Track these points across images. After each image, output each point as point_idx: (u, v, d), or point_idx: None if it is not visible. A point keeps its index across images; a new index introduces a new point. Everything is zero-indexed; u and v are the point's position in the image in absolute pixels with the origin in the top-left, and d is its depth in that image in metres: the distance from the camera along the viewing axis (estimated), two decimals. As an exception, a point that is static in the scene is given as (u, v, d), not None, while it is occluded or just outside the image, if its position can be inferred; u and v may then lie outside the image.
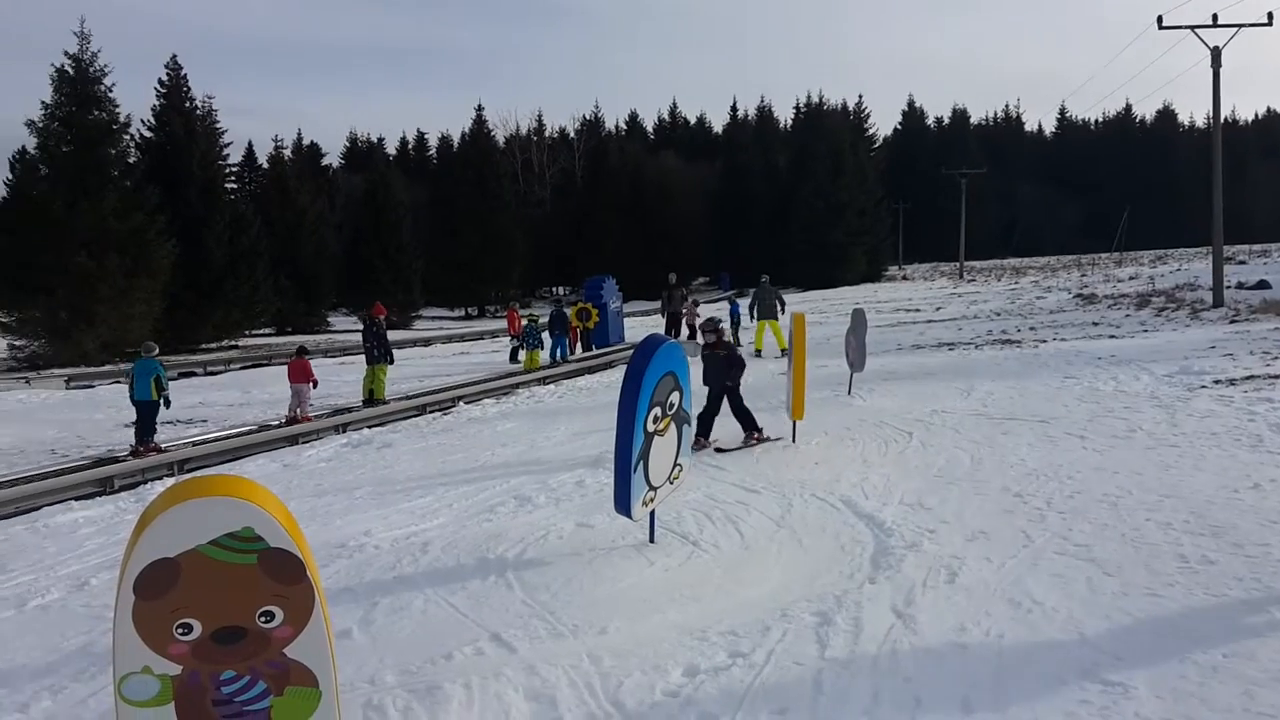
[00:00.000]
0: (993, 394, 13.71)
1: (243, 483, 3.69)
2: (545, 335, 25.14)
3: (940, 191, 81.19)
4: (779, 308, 22.23)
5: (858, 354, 14.42)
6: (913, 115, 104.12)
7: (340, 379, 23.64)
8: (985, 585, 5.98)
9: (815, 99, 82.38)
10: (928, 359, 19.26)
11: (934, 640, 5.18)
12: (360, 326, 49.88)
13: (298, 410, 16.17)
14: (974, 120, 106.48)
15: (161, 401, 14.00)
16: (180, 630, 3.50)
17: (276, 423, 15.73)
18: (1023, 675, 4.71)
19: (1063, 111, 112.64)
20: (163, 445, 13.93)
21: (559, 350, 25.61)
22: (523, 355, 24.53)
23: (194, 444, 14.08)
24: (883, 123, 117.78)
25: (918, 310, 35.39)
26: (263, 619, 3.57)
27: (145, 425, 13.86)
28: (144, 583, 3.42)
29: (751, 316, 23.06)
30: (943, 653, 5.03)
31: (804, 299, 47.45)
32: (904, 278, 69.95)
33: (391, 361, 18.88)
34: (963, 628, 5.32)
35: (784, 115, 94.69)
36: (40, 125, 31.81)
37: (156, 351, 14.94)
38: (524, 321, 24.71)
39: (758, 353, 22.32)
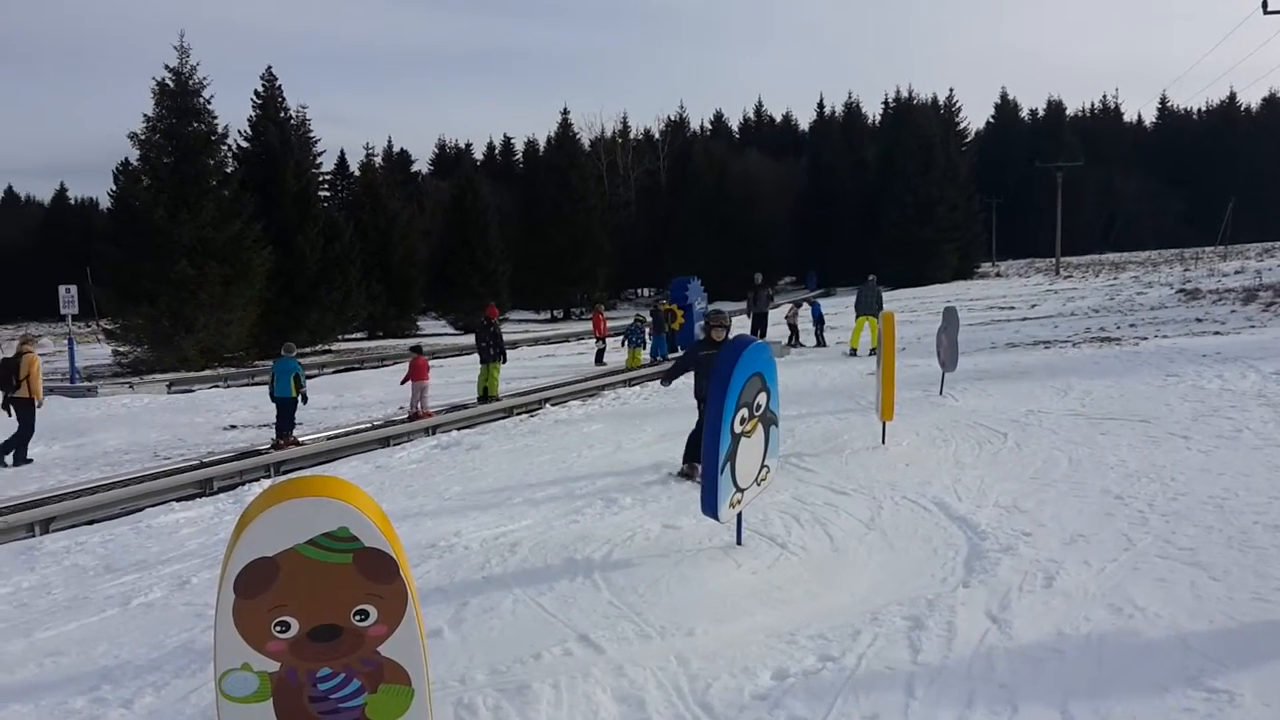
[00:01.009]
0: (1091, 393, 13.33)
1: (338, 483, 3.77)
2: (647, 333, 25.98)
3: (1035, 186, 79.37)
4: (878, 305, 21.98)
5: (949, 353, 14.14)
6: (1005, 108, 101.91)
7: (443, 379, 24.01)
8: (1084, 590, 5.81)
9: (904, 93, 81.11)
10: (1023, 357, 18.80)
11: (1030, 645, 5.05)
12: (451, 329, 50.87)
13: (419, 405, 17.06)
14: (1070, 112, 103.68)
15: (300, 398, 15.09)
16: (278, 628, 3.59)
17: (369, 424, 16.05)
18: (1123, 682, 4.57)
19: (1163, 101, 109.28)
20: (300, 439, 14.95)
21: (660, 349, 26.05)
22: (624, 353, 25.36)
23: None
24: (974, 116, 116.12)
25: (1012, 308, 34.61)
26: (357, 618, 3.63)
27: (285, 420, 14.95)
28: (244, 581, 3.51)
29: (857, 313, 22.96)
30: (1039, 658, 4.89)
31: (893, 297, 46.74)
32: (997, 274, 68.44)
33: (505, 360, 19.85)
34: (1060, 633, 5.18)
35: (872, 111, 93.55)
36: (142, 137, 32.92)
37: (295, 352, 16.07)
38: (633, 319, 25.98)
39: (853, 351, 22.14)
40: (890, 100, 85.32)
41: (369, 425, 16.46)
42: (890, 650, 5.11)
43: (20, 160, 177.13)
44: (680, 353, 26.80)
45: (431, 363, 18.70)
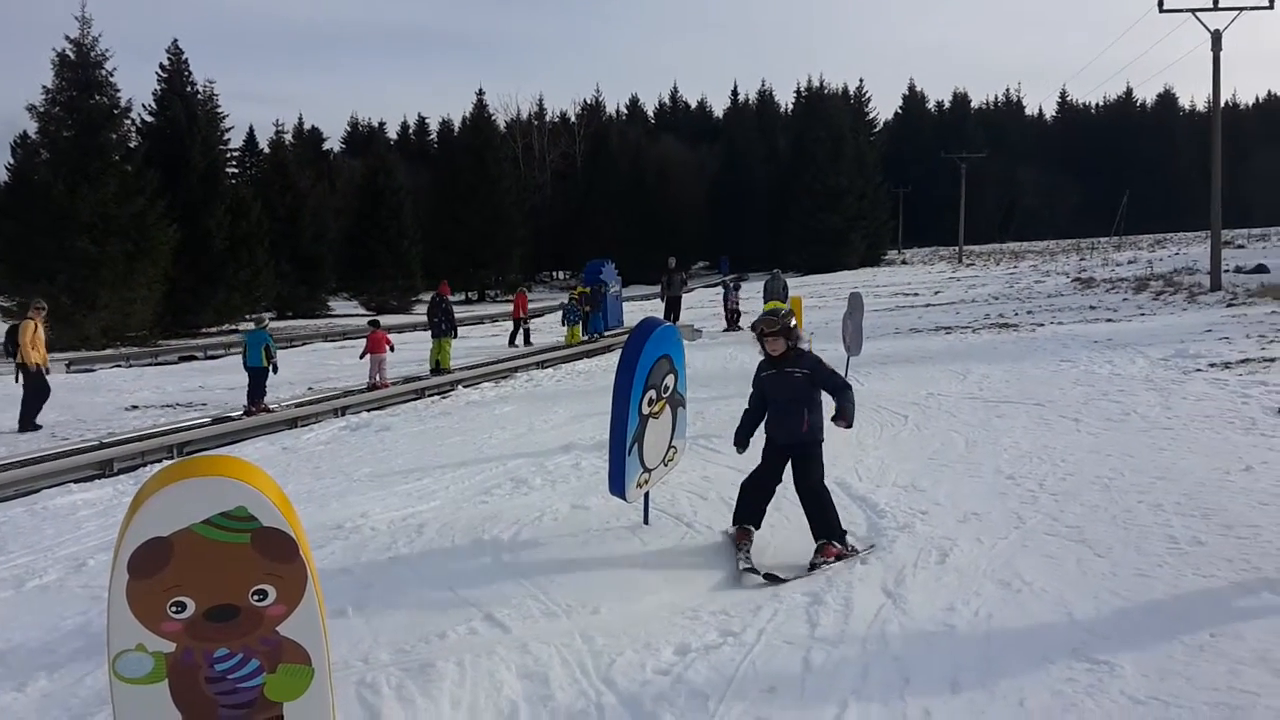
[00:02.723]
0: (988, 377, 13.74)
1: (236, 463, 3.73)
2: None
3: (940, 176, 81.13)
4: (784, 294, 22.57)
5: (854, 338, 14.43)
6: (913, 99, 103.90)
7: (339, 363, 23.69)
8: (976, 566, 6.03)
9: (816, 83, 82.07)
10: (925, 343, 19.28)
11: (924, 620, 5.23)
12: (363, 310, 50.09)
13: (377, 377, 17.83)
14: (975, 104, 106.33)
15: (270, 368, 15.68)
16: (174, 608, 3.54)
17: (334, 392, 15.77)
18: (1011, 654, 4.76)
19: (1063, 95, 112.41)
20: (270, 406, 15.58)
21: (597, 326, 27.50)
22: (553, 334, 27.09)
23: (190, 428, 14.13)
24: (883, 107, 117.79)
25: (916, 295, 35.40)
26: (255, 597, 3.61)
27: (256, 388, 15.57)
28: (137, 561, 3.46)
29: (766, 298, 23.48)
30: (932, 632, 5.07)
31: (803, 283, 47.39)
32: (903, 262, 69.89)
33: (456, 335, 20.95)
34: (952, 608, 5.37)
35: (785, 99, 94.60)
36: (41, 110, 31.78)
37: (267, 323, 16.73)
38: (566, 298, 27.74)
39: None
40: (802, 89, 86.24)
41: (334, 394, 17.05)
42: (789, 625, 5.25)
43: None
44: (600, 334, 27.00)
45: (348, 343, 18.76)
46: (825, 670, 4.69)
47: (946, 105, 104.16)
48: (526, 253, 66.98)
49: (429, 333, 21.24)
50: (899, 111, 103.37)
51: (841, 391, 6.60)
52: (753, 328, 6.82)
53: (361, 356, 18.58)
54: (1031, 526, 6.77)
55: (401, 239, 53.14)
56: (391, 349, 18.63)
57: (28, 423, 14.70)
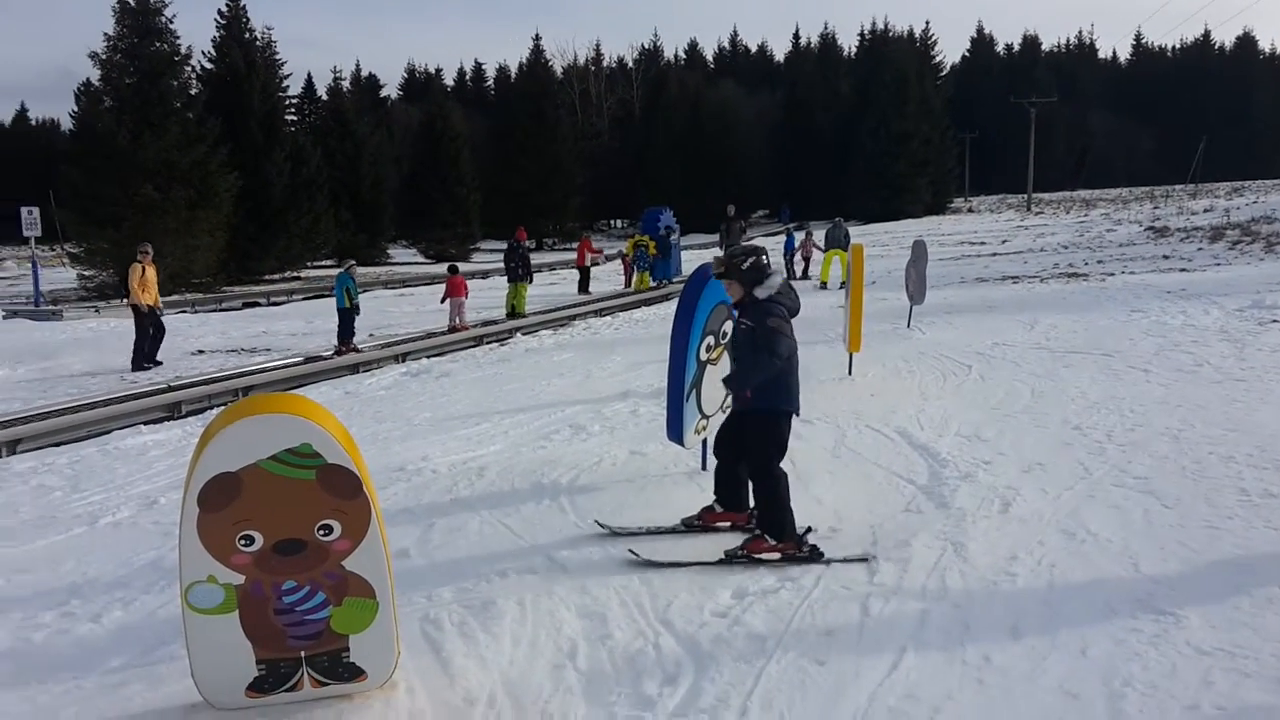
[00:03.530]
0: (1056, 327, 13.49)
1: (301, 401, 3.79)
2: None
3: (1009, 121, 79.00)
4: (846, 242, 22.21)
5: (918, 286, 14.23)
6: (981, 42, 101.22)
7: (399, 309, 23.95)
8: (1039, 516, 5.96)
9: (880, 26, 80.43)
10: (991, 292, 18.96)
11: (985, 569, 5.18)
12: (422, 258, 50.48)
13: (457, 320, 18.62)
14: (1045, 47, 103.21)
15: (353, 308, 16.31)
16: (243, 541, 3.63)
17: (328, 352, 16.01)
18: (1073, 604, 4.71)
19: (1138, 38, 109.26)
20: (359, 346, 16.26)
21: (663, 272, 27.49)
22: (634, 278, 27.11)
23: (255, 371, 14.39)
24: (950, 50, 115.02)
25: (983, 243, 34.79)
26: (321, 532, 3.68)
27: (344, 328, 16.21)
28: (207, 495, 3.54)
29: (826, 247, 23.22)
30: (993, 581, 5.03)
31: (865, 231, 46.80)
32: (969, 210, 68.62)
33: (531, 280, 21.70)
34: (1014, 557, 5.31)
35: (848, 43, 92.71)
36: (104, 57, 32.13)
37: (351, 265, 17.49)
38: (631, 245, 27.41)
39: (823, 284, 22.31)
40: (866, 32, 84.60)
41: (418, 335, 17.82)
42: (848, 572, 5.23)
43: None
44: (669, 280, 26.93)
45: (407, 291, 19.07)
46: (883, 617, 4.67)
47: (1016, 48, 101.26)
48: (584, 200, 66.87)
49: (504, 278, 22.08)
50: (966, 55, 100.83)
51: (758, 353, 5.42)
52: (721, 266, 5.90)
53: (443, 301, 19.21)
54: (1098, 477, 6.65)
55: (459, 187, 53.31)
56: (467, 294, 19.25)
57: (139, 361, 15.23)
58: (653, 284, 26.64)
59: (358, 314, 16.62)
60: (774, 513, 5.56)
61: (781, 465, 5.57)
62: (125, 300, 15.66)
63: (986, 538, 5.64)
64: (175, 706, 4.02)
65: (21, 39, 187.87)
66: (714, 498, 6.11)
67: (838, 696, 3.95)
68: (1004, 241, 34.88)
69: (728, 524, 5.99)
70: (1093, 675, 4.03)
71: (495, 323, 19.67)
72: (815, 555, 5.45)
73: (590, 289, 26.47)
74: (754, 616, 4.71)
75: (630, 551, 5.59)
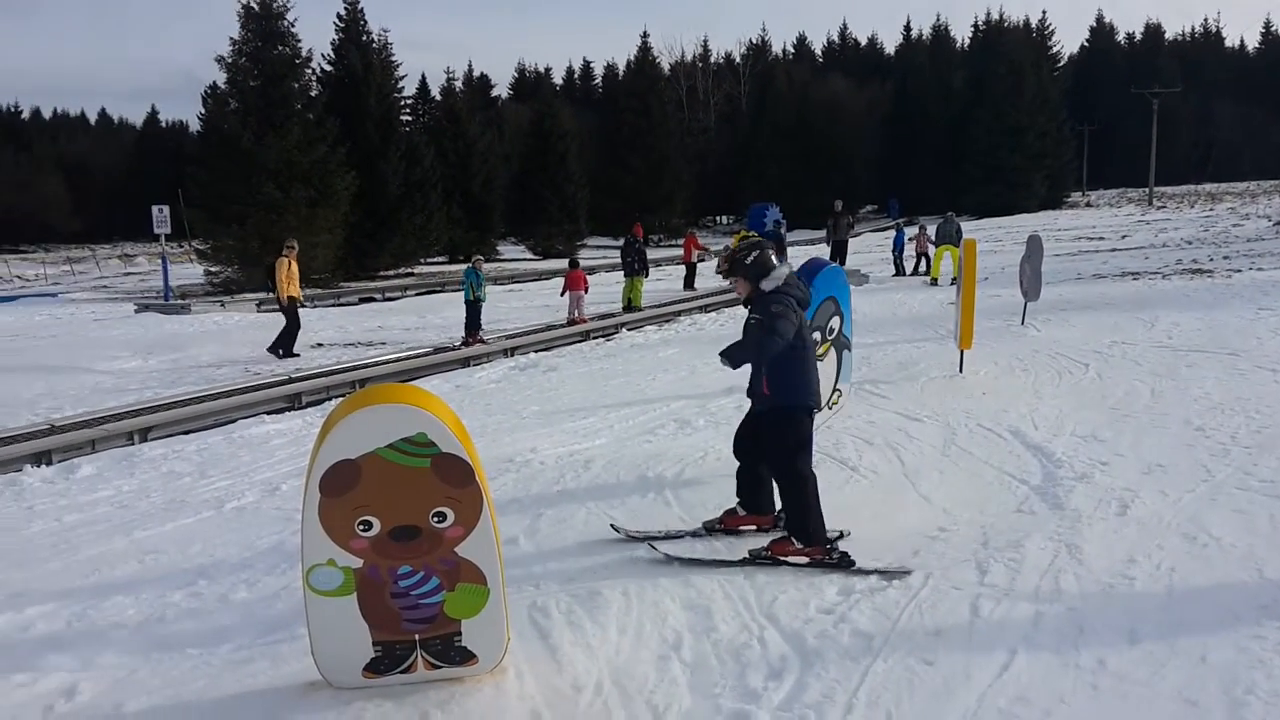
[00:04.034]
0: (1179, 325, 13.00)
1: (417, 392, 3.92)
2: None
3: (1130, 113, 76.13)
4: (958, 237, 21.72)
5: (1032, 282, 13.86)
6: (1101, 32, 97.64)
7: (507, 305, 24.33)
8: (1159, 519, 5.77)
9: (995, 16, 78.36)
10: (1110, 289, 18.35)
11: (1101, 571, 5.05)
12: (530, 255, 51.18)
13: (576, 312, 19.10)
14: (1169, 36, 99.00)
15: (478, 301, 16.88)
16: (361, 526, 3.76)
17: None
18: (1194, 609, 4.56)
19: (1267, 25, 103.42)
20: (485, 338, 16.80)
21: None
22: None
23: (372, 364, 14.80)
24: (1068, 40, 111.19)
25: (1101, 238, 33.66)
26: (435, 519, 3.79)
27: (470, 320, 16.83)
28: (328, 481, 3.68)
29: (938, 243, 22.77)
30: (1109, 584, 4.90)
31: (978, 226, 45.71)
32: (1087, 204, 66.37)
33: (648, 274, 22.16)
34: (1132, 560, 5.17)
35: (961, 34, 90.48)
36: (229, 61, 33.27)
37: (478, 260, 18.22)
38: (737, 240, 25.96)
39: (933, 281, 21.94)
40: (980, 23, 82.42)
41: (535, 328, 18.28)
42: (958, 572, 5.15)
43: (113, 83, 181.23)
44: None
45: (516, 287, 19.41)
46: (994, 617, 4.59)
47: (1137, 37, 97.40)
48: (690, 197, 66.82)
49: (621, 272, 22.51)
50: (1085, 45, 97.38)
51: (753, 329, 5.42)
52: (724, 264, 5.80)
53: (562, 294, 19.70)
54: (1221, 480, 6.41)
55: (567, 184, 53.78)
56: (587, 288, 19.69)
57: (278, 349, 16.12)
58: None
59: (483, 302, 17.18)
60: (800, 515, 5.40)
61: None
62: (271, 293, 16.46)
63: (1103, 540, 5.49)
64: (296, 684, 4.19)
65: (151, 44, 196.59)
66: (736, 500, 5.96)
67: (946, 697, 3.90)
68: (1124, 237, 33.70)
69: (752, 527, 5.85)
70: (1213, 682, 3.90)
71: (611, 316, 20.07)
72: (845, 562, 5.29)
73: (696, 285, 26.46)
74: (860, 614, 4.68)
75: (650, 545, 5.61)
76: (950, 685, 3.98)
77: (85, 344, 18.52)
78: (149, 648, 4.71)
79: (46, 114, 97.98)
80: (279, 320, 16.97)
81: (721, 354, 5.55)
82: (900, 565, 5.27)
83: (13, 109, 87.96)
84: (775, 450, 5.54)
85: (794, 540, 5.39)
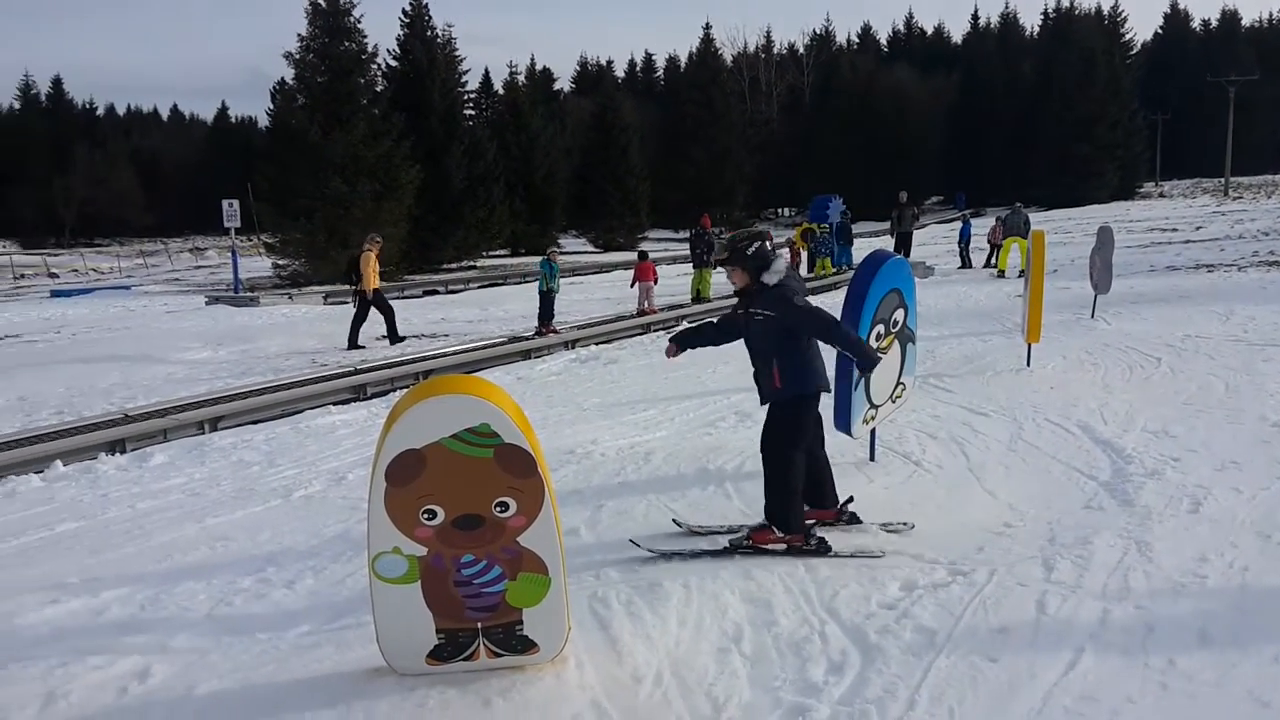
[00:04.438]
0: (1255, 319, 12.66)
1: (481, 383, 3.95)
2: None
3: (1205, 101, 74.06)
4: (1026, 229, 21.21)
5: (1102, 274, 13.59)
6: (1175, 18, 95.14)
7: (569, 298, 24.43)
8: (1232, 516, 5.63)
9: (1065, 4, 76.63)
10: (1183, 281, 17.92)
11: (1171, 569, 4.94)
12: (591, 247, 51.31)
13: (645, 304, 19.45)
14: (1246, 22, 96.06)
15: (551, 292, 17.26)
16: (425, 515, 3.81)
17: (531, 330, 16.49)
18: (1268, 609, 4.45)
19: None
20: (558, 328, 17.17)
21: (845, 258, 27.07)
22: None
23: (434, 356, 14.97)
24: (1141, 28, 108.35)
25: (1174, 230, 32.87)
26: (498, 509, 3.83)
27: (544, 311, 17.19)
28: (394, 470, 3.74)
29: (1005, 234, 22.30)
30: (1180, 582, 4.79)
31: (1047, 218, 44.89)
32: (1160, 195, 64.78)
33: (715, 266, 21.14)
34: (1204, 558, 5.04)
35: (1030, 22, 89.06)
36: (297, 57, 33.79)
37: (553, 251, 19.05)
38: (817, 231, 27.26)
39: (1000, 273, 21.58)
40: (1050, 11, 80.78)
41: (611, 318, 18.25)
42: (1024, 568, 5.07)
43: (184, 80, 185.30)
44: (850, 266, 26.60)
45: (577, 279, 19.60)
46: (1061, 614, 4.51)
47: (1213, 24, 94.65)
48: (751, 189, 66.52)
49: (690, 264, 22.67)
50: (1158, 32, 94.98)
51: (830, 331, 5.37)
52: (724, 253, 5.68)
53: (632, 285, 19.98)
54: (1300, 478, 6.23)
55: (629, 176, 53.87)
56: (656, 280, 19.93)
57: (394, 337, 16.76)
58: (834, 269, 26.26)
59: (555, 292, 17.46)
60: (783, 502, 5.40)
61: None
62: (356, 286, 16.81)
63: (1174, 537, 5.37)
64: (361, 670, 4.26)
65: (221, 42, 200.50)
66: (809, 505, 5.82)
67: (1011, 694, 3.85)
68: (1198, 228, 32.86)
69: (814, 522, 5.74)
70: (1288, 685, 3.80)
71: (680, 307, 20.28)
72: (822, 549, 5.32)
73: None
74: (923, 610, 4.63)
75: (632, 542, 5.56)
76: (1015, 683, 3.92)
77: (157, 335, 19.01)
78: (219, 632, 4.82)
79: (121, 111, 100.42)
80: (346, 312, 17.28)
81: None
82: (876, 549, 5.36)
83: (89, 106, 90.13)
84: (771, 433, 5.52)
85: (774, 528, 5.39)
